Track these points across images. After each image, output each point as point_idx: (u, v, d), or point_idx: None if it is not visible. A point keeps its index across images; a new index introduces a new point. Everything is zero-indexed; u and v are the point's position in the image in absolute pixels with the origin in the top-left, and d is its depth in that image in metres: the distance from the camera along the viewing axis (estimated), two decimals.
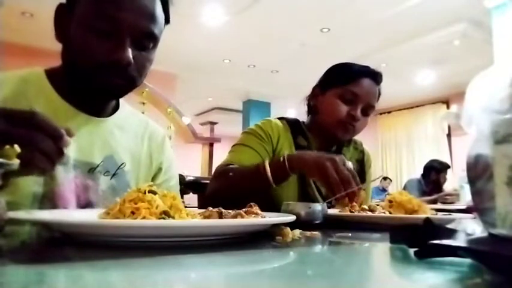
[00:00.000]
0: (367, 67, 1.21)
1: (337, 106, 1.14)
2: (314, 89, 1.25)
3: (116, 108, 0.91)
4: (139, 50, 0.77)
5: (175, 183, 1.01)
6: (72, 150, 0.79)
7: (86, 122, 0.83)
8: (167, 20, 0.83)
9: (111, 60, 0.72)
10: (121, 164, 0.86)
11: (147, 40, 0.77)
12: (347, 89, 1.14)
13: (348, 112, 1.13)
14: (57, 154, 0.53)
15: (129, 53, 0.73)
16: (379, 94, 1.21)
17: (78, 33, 0.73)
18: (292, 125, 1.23)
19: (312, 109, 1.25)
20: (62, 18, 0.77)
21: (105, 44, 0.72)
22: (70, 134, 0.54)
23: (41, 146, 0.51)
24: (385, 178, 7.34)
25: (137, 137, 0.94)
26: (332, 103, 1.16)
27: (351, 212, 0.85)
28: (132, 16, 0.73)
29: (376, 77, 1.19)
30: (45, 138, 0.51)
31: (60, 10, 0.78)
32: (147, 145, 0.95)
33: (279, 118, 1.27)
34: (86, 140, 0.82)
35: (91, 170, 0.81)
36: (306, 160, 0.89)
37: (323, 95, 1.20)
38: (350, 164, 0.86)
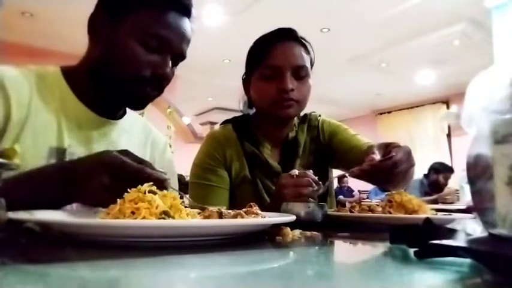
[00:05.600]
0: (277, 30, 1.08)
1: (264, 87, 1.04)
2: (243, 80, 1.16)
3: (124, 112, 0.95)
4: (172, 66, 0.85)
5: (174, 185, 1.03)
6: (81, 150, 0.82)
7: (98, 124, 0.86)
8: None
9: (156, 72, 0.81)
10: None
11: (179, 59, 0.87)
12: (265, 65, 1.03)
13: (277, 88, 1.01)
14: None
15: (170, 68, 0.83)
16: (309, 50, 1.08)
17: (128, 44, 0.79)
18: (239, 128, 1.15)
19: (249, 101, 1.17)
20: (102, 25, 0.81)
21: (153, 58, 0.80)
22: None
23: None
24: None
25: (141, 143, 0.98)
26: (258, 87, 1.06)
27: (351, 212, 0.85)
28: (177, 39, 0.83)
29: (290, 35, 1.06)
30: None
31: (98, 16, 0.82)
32: (149, 151, 0.99)
33: (226, 122, 1.20)
34: (95, 140, 0.85)
35: None
36: (281, 199, 0.84)
37: (249, 83, 1.11)
38: (296, 171, 0.87)
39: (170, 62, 0.83)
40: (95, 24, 0.82)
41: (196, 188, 1.10)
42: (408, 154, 0.81)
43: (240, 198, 1.08)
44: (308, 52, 1.08)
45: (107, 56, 0.81)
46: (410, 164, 0.81)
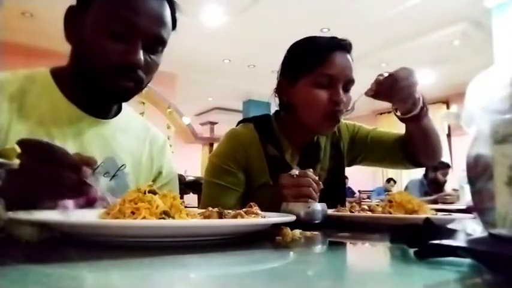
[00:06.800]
0: (333, 38, 1.05)
1: (316, 96, 0.99)
2: (280, 81, 1.09)
3: (119, 111, 0.92)
4: (149, 53, 0.79)
5: (174, 187, 1.02)
6: (73, 151, 0.79)
7: (89, 124, 0.84)
8: (174, 26, 0.85)
9: (124, 61, 0.74)
10: (121, 166, 0.87)
11: (156, 44, 0.79)
12: (320, 73, 0.99)
13: (329, 98, 0.98)
14: (79, 184, 0.55)
15: (141, 55, 0.75)
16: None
17: (92, 35, 0.75)
18: (261, 129, 1.10)
19: (284, 105, 1.09)
20: (74, 20, 0.78)
21: (119, 46, 0.74)
22: (92, 163, 0.57)
23: (64, 181, 0.54)
24: (388, 180, 7.32)
25: (139, 140, 0.95)
26: (309, 94, 1.00)
27: (351, 212, 0.85)
28: (146, 21, 0.75)
29: (345, 46, 1.04)
30: (67, 173, 0.54)
31: (71, 12, 0.79)
32: (148, 148, 0.96)
33: (247, 121, 1.16)
34: (88, 140, 0.83)
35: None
36: (281, 199, 0.85)
37: (293, 86, 1.04)
38: (296, 171, 0.86)
39: (141, 49, 0.75)
40: (67, 20, 0.79)
41: (211, 187, 1.07)
42: (409, 72, 0.94)
43: (259, 201, 1.06)
44: None
45: (76, 52, 0.79)
46: (410, 81, 0.94)
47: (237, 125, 1.17)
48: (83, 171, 0.55)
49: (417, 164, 1.15)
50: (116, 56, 0.74)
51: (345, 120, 1.23)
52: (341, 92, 0.99)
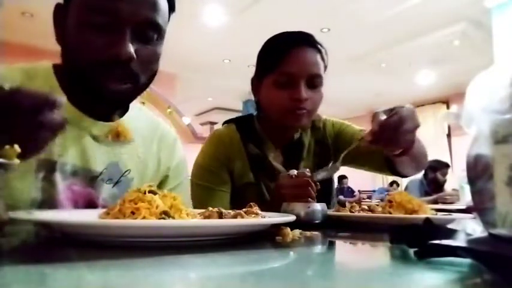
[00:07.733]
0: (293, 34, 1.03)
1: (276, 95, 0.99)
2: (252, 80, 1.10)
3: (124, 112, 0.85)
4: (143, 42, 0.70)
5: (185, 192, 0.97)
6: (74, 156, 0.75)
7: (92, 127, 0.78)
8: (172, 8, 0.77)
9: (109, 56, 0.66)
10: (125, 171, 0.82)
11: (150, 31, 0.70)
12: (279, 72, 0.98)
13: (290, 97, 0.97)
14: (52, 120, 0.51)
15: (130, 46, 0.67)
16: (324, 56, 1.03)
17: (73, 30, 0.68)
18: (243, 129, 1.11)
19: (257, 104, 1.11)
20: (60, 19, 0.73)
21: (103, 39, 0.66)
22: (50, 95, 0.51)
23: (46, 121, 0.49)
24: (391, 183, 7.31)
25: (146, 140, 0.88)
26: (269, 94, 1.01)
27: (351, 212, 0.85)
28: (130, 5, 0.67)
29: (307, 41, 1.01)
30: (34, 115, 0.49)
31: (57, 10, 0.74)
32: (156, 148, 0.90)
33: (230, 121, 1.16)
34: (90, 145, 0.77)
35: (93, 178, 0.77)
36: (280, 199, 0.84)
37: (261, 85, 1.05)
38: (295, 172, 0.86)
39: (128, 40, 0.67)
40: (55, 18, 0.73)
41: (197, 189, 1.07)
42: (413, 112, 0.79)
43: (243, 200, 1.06)
44: (323, 58, 1.04)
45: (65, 50, 0.72)
46: (416, 122, 0.80)
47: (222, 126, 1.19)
48: (53, 103, 0.50)
49: (400, 176, 1.12)
50: (101, 50, 0.66)
51: (333, 118, 1.22)
52: (303, 89, 0.96)
